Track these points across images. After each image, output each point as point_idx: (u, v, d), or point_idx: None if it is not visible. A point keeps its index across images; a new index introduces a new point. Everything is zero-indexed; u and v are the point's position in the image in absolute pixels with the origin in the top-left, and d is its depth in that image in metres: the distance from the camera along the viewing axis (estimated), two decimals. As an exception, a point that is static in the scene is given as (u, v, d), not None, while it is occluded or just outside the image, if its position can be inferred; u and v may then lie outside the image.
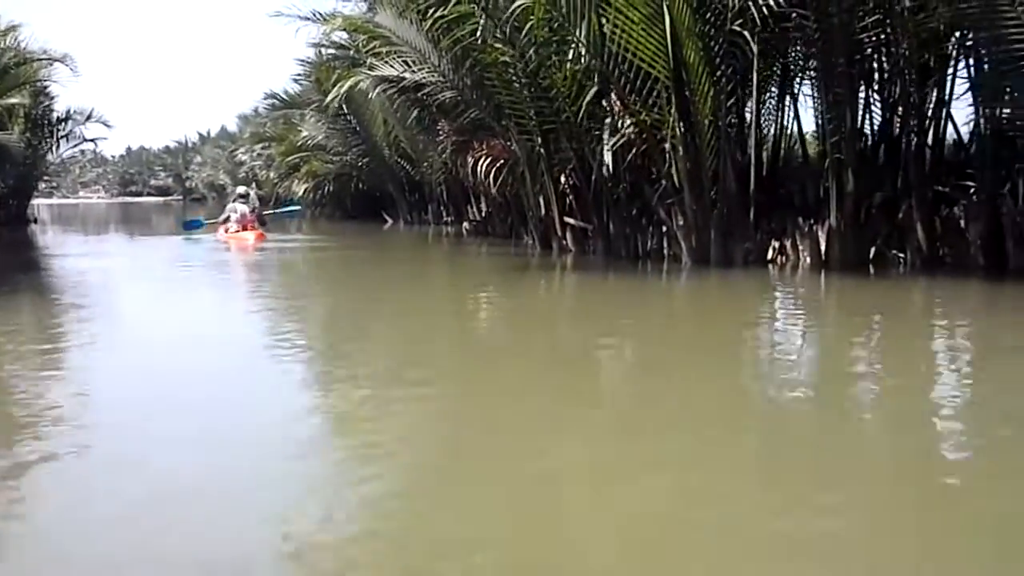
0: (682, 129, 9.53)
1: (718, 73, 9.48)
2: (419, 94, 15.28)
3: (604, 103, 10.32)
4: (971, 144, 10.33)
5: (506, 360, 5.53)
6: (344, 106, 21.29)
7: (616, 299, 8.82)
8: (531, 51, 10.27)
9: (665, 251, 10.69)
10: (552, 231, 12.47)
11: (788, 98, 11.24)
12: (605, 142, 10.45)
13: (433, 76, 12.67)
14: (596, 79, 9.99)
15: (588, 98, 10.13)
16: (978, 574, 2.38)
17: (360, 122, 21.84)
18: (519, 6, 9.60)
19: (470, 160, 15.11)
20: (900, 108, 10.12)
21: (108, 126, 27.55)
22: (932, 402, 4.32)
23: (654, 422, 3.91)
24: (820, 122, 10.39)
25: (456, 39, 11.14)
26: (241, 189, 20.08)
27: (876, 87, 10.44)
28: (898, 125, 10.56)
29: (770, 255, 10.22)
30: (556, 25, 9.77)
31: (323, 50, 21.01)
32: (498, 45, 10.90)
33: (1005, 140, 9.53)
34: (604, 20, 9.23)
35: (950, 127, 10.47)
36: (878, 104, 10.54)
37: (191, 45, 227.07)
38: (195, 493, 2.96)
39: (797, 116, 11.33)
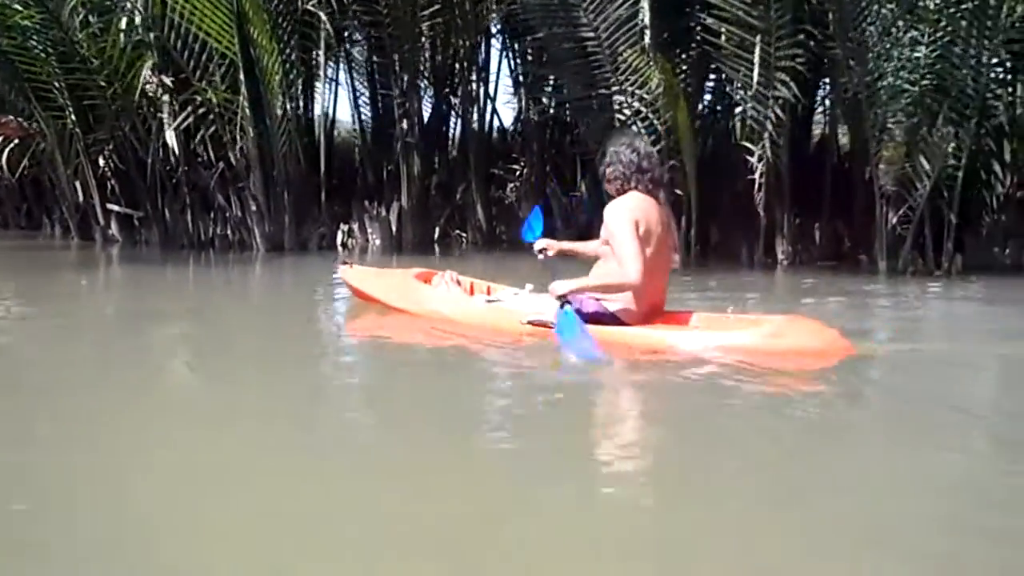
0: (251, 110, 9.08)
1: (288, 52, 9.20)
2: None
3: (164, 79, 9.43)
4: (516, 132, 11.26)
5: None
6: None
7: (182, 292, 7.94)
8: (74, 17, 9.05)
9: (231, 238, 10.14)
10: (93, 220, 11.18)
11: (349, 82, 11.31)
12: (166, 122, 9.58)
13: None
14: (153, 52, 9.09)
15: (144, 73, 9.19)
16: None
17: None
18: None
19: (-27, 139, 12.99)
20: (454, 97, 10.73)
21: None
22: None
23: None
24: (385, 107, 10.62)
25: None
26: None
27: (429, 76, 10.91)
28: (445, 111, 11.24)
29: (340, 239, 10.22)
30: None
31: None
32: (17, 7, 9.50)
33: (543, 128, 10.58)
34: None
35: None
36: (430, 92, 11.04)
37: None
38: None
39: (356, 100, 11.41)
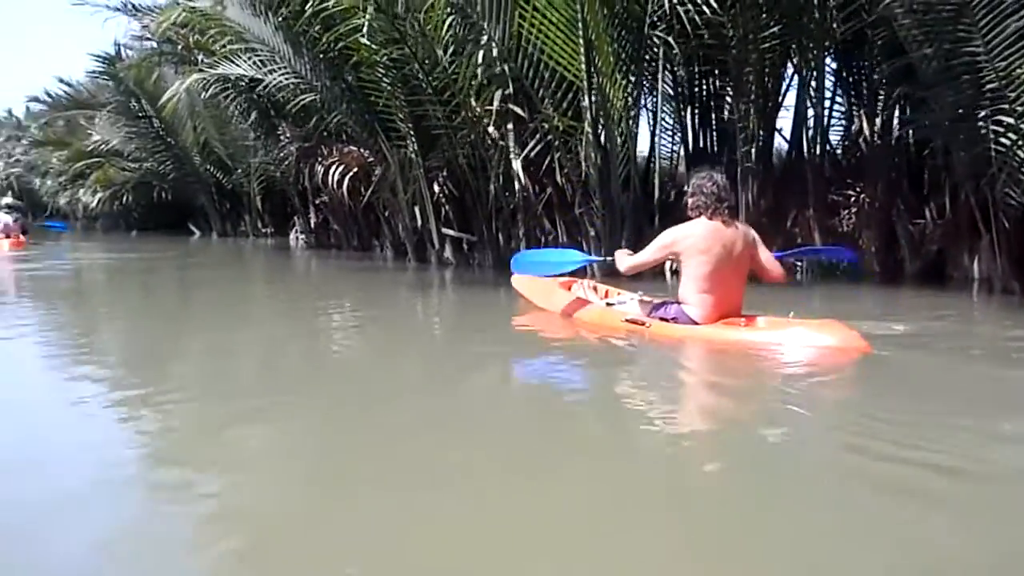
0: (595, 135, 9.18)
1: (632, 77, 9.25)
2: (258, 97, 14.25)
3: (515, 108, 9.78)
4: (854, 155, 10.69)
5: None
6: (148, 107, 19.58)
7: (511, 311, 8.06)
8: (436, 50, 9.61)
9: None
10: (428, 243, 11.80)
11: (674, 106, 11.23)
12: (512, 150, 9.93)
13: (291, 77, 11.66)
14: (507, 82, 9.45)
15: (495, 102, 9.59)
16: None
17: (166, 126, 20.05)
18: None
19: (319, 168, 14.16)
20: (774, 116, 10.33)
21: None
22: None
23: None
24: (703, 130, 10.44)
25: (336, 37, 10.26)
26: (7, 201, 19.86)
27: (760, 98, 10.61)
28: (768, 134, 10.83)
29: (669, 264, 10.11)
30: (470, 24, 9.16)
31: (127, 48, 19.24)
32: (374, 45, 10.16)
33: (887, 152, 9.94)
34: (521, 21, 8.73)
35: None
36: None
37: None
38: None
39: (683, 123, 11.30)
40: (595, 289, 6.65)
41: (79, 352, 5.86)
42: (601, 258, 6.37)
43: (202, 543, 2.46)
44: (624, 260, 5.78)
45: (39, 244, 18.48)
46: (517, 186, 10.20)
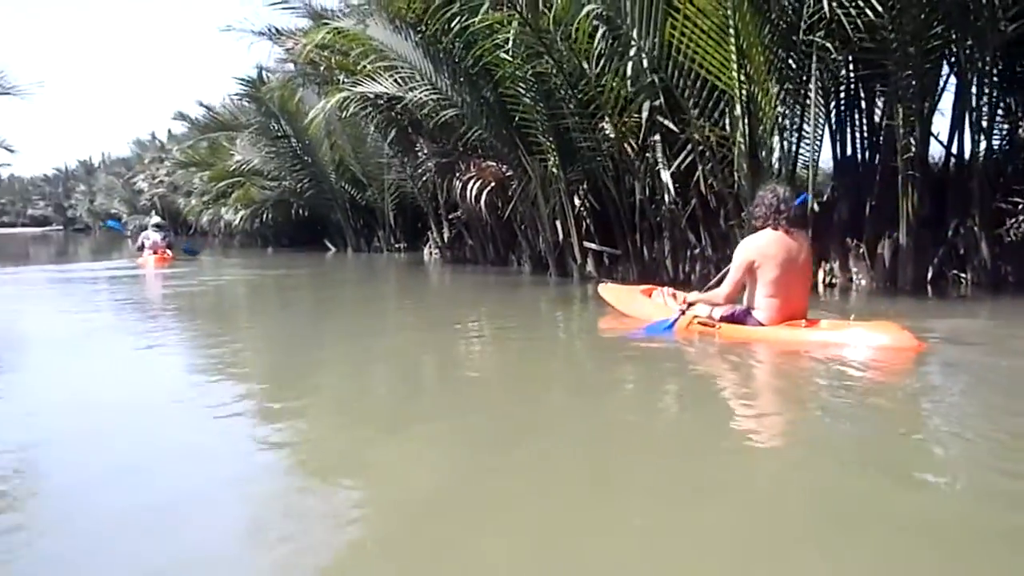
0: (748, 146, 8.92)
1: (786, 85, 8.96)
2: (398, 115, 14.46)
3: (665, 120, 9.62)
4: (1017, 160, 10.07)
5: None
6: (287, 127, 20.20)
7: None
8: (582, 63, 9.54)
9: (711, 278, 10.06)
10: (569, 256, 11.72)
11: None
12: (661, 163, 9.77)
13: (432, 94, 11.77)
14: (656, 93, 9.30)
15: (644, 113, 9.45)
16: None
17: (304, 145, 20.61)
18: (587, 13, 8.84)
19: (457, 183, 14.27)
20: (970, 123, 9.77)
21: (11, 151, 24.73)
22: None
23: None
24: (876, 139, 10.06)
25: (479, 54, 10.30)
26: (156, 220, 20.68)
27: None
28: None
29: (821, 276, 9.77)
30: (618, 35, 9.06)
31: (267, 71, 19.88)
32: (517, 60, 10.15)
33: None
34: (671, 30, 8.56)
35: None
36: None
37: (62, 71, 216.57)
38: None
39: (842, 132, 10.87)
40: (674, 296, 7.14)
41: (229, 362, 6.15)
42: (678, 314, 6.39)
43: (339, 539, 2.67)
44: (714, 295, 6.19)
45: (183, 259, 19.27)
46: (666, 198, 10.01)
